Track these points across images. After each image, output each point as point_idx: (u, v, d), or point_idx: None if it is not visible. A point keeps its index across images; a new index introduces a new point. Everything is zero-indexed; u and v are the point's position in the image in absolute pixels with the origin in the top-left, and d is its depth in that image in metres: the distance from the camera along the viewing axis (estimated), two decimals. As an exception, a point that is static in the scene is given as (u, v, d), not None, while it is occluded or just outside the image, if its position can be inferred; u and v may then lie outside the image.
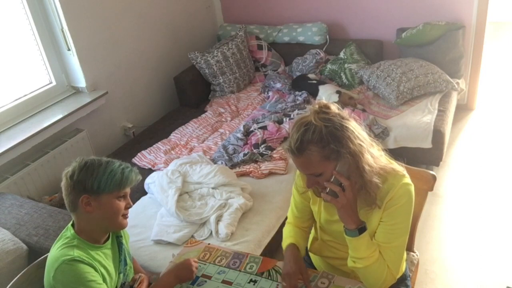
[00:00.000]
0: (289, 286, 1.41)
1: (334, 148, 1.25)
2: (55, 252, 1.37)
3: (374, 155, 1.33)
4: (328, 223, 1.52)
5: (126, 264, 1.55)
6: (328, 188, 1.31)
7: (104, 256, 1.44)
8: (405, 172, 1.38)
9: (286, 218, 2.32)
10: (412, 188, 1.37)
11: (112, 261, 1.49)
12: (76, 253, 1.35)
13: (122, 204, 1.43)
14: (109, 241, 1.50)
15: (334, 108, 1.31)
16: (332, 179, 1.30)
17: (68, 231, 1.42)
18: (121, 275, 1.52)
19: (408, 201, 1.35)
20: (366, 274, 1.38)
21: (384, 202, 1.35)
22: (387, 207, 1.35)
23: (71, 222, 1.45)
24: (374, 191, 1.32)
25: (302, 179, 1.51)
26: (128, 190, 1.45)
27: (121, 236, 1.56)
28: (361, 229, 1.34)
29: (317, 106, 1.30)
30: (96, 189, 1.36)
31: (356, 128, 1.30)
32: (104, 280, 1.39)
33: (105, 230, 1.46)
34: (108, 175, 1.37)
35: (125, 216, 1.46)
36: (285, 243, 1.58)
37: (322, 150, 1.25)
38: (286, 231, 1.64)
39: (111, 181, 1.37)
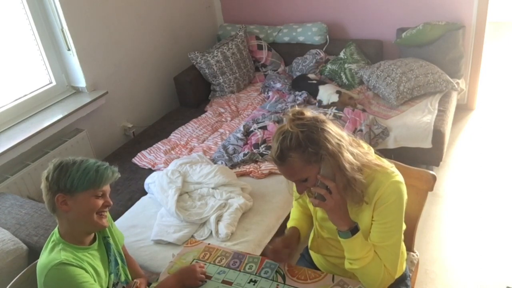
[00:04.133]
0: (272, 248, 1.54)
1: (313, 151, 1.27)
2: (43, 259, 1.36)
3: (354, 153, 1.34)
4: (324, 221, 1.52)
5: (117, 264, 1.54)
6: (316, 193, 1.32)
7: (91, 257, 1.43)
8: (394, 169, 1.39)
9: (285, 218, 2.33)
10: (402, 186, 1.37)
11: (101, 261, 1.48)
12: (63, 256, 1.33)
13: (99, 202, 1.41)
14: (96, 242, 1.49)
15: (309, 113, 1.33)
16: (318, 183, 1.32)
17: (54, 236, 1.42)
18: (112, 275, 1.52)
19: (397, 198, 1.35)
20: (363, 274, 1.38)
21: (373, 200, 1.35)
22: (377, 206, 1.36)
23: (57, 226, 1.44)
24: (359, 188, 1.33)
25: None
26: (106, 188, 1.43)
27: (108, 237, 1.54)
28: (354, 230, 1.35)
29: (290, 114, 1.32)
30: (69, 188, 1.35)
31: (333, 129, 1.32)
32: (94, 280, 1.38)
33: (85, 230, 1.44)
34: (81, 173, 1.36)
35: (101, 214, 1.43)
36: (288, 224, 1.69)
37: (302, 155, 1.27)
38: (292, 213, 1.74)
39: (84, 179, 1.36)
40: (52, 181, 1.35)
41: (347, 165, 1.29)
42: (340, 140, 1.31)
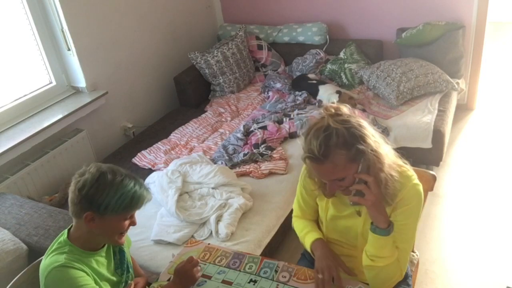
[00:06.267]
0: (327, 277, 1.40)
1: (359, 147, 1.24)
2: (46, 260, 1.35)
3: (388, 151, 1.33)
4: (335, 219, 1.51)
5: (128, 272, 1.53)
6: (353, 191, 1.30)
7: (96, 263, 1.41)
8: (413, 172, 1.39)
9: (285, 218, 2.33)
10: (421, 188, 1.37)
11: (106, 268, 1.45)
12: (66, 259, 1.32)
13: (126, 223, 1.39)
14: (104, 248, 1.46)
15: (345, 109, 1.30)
16: (356, 181, 1.29)
17: (62, 237, 1.40)
18: (123, 284, 1.50)
19: (418, 202, 1.36)
20: (382, 272, 1.37)
21: (395, 202, 1.34)
22: (398, 207, 1.35)
23: (69, 226, 1.43)
24: (393, 186, 1.31)
25: (311, 182, 1.49)
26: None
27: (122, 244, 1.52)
28: (391, 228, 1.33)
29: (332, 110, 1.29)
30: (103, 210, 1.32)
31: (368, 125, 1.30)
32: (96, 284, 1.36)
33: (102, 242, 1.44)
34: (118, 198, 1.32)
35: (123, 233, 1.42)
36: (309, 237, 1.56)
37: (348, 153, 1.24)
38: (300, 225, 1.63)
39: (120, 205, 1.32)
40: (86, 196, 1.31)
41: (385, 162, 1.28)
42: (376, 137, 1.29)
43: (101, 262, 1.44)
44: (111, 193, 1.31)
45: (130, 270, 1.55)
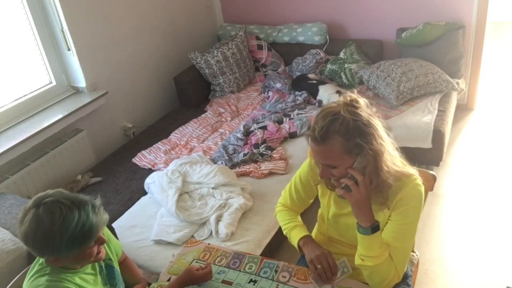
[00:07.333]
0: (327, 266, 1.42)
1: (359, 142, 1.24)
2: (28, 284, 1.29)
3: (393, 157, 1.33)
4: (336, 217, 1.51)
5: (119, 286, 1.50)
6: (343, 184, 1.31)
7: (81, 281, 1.34)
8: (417, 174, 1.38)
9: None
10: (423, 189, 1.36)
11: (93, 285, 1.39)
12: (48, 281, 1.26)
13: (93, 250, 1.29)
14: (88, 265, 1.39)
15: (363, 103, 1.30)
16: (348, 176, 1.30)
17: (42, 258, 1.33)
18: None
19: (418, 203, 1.35)
20: (374, 272, 1.37)
21: (394, 201, 1.34)
22: (397, 206, 1.35)
23: None
24: (387, 192, 1.32)
25: (315, 172, 1.50)
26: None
27: (110, 259, 1.47)
28: (375, 228, 1.33)
29: (348, 98, 1.29)
30: (58, 254, 1.23)
31: (380, 126, 1.30)
32: None
33: (80, 265, 1.37)
34: (67, 241, 1.20)
35: (98, 254, 1.33)
36: (296, 233, 1.58)
37: (346, 143, 1.25)
38: (286, 216, 1.65)
39: (72, 245, 1.21)
40: (34, 248, 1.22)
41: (384, 167, 1.28)
42: (384, 141, 1.29)
43: (85, 280, 1.37)
44: (57, 239, 1.19)
45: (121, 285, 1.51)
